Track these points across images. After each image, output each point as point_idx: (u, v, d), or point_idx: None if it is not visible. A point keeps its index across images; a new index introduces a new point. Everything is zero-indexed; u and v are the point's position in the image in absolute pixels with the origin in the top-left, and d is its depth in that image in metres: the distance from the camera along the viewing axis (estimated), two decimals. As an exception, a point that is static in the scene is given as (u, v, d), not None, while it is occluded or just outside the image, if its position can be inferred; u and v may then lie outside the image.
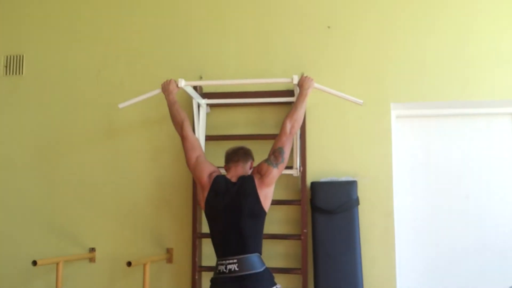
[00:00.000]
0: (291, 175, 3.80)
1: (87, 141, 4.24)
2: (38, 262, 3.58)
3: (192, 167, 3.31)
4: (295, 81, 3.46)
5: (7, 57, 4.44)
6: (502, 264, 3.88)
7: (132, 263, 3.45)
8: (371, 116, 3.88)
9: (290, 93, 3.87)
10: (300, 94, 3.38)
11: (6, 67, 4.44)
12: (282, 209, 3.87)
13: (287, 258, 3.83)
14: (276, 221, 3.83)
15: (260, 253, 3.16)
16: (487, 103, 3.89)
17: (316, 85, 3.45)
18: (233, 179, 3.23)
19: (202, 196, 3.23)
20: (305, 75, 3.49)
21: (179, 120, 3.40)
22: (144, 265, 3.63)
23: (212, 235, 3.21)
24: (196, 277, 3.82)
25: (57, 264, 3.75)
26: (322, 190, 3.77)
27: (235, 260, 3.06)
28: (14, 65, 4.42)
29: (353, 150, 3.88)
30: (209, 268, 3.65)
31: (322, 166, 3.88)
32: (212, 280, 3.13)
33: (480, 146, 4.00)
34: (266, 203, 3.18)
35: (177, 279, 3.96)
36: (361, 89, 3.89)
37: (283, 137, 3.26)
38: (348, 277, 3.63)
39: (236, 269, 3.04)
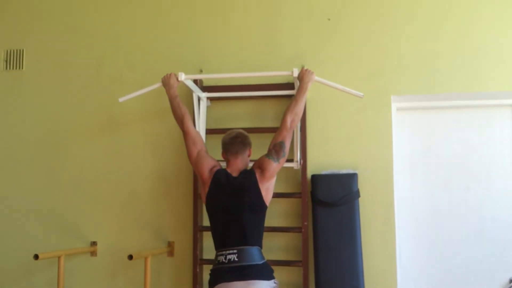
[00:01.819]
0: (291, 168, 3.81)
1: (88, 134, 4.25)
2: (40, 256, 3.59)
3: (193, 162, 3.34)
4: (295, 74, 3.48)
5: (7, 51, 4.44)
6: (502, 255, 3.91)
7: (134, 257, 3.46)
8: (372, 108, 3.88)
9: (290, 86, 3.87)
10: (300, 87, 3.39)
11: (6, 61, 4.44)
12: (283, 202, 3.88)
13: (288, 250, 3.84)
14: (276, 214, 3.84)
15: (261, 247, 3.18)
16: (488, 94, 3.89)
17: (316, 78, 3.46)
18: (234, 173, 3.25)
19: (204, 191, 3.26)
20: (305, 68, 3.50)
21: (180, 115, 3.43)
22: (146, 258, 3.65)
23: (213, 228, 3.24)
24: (197, 270, 3.84)
25: (59, 258, 3.76)
26: (322, 183, 3.78)
27: (235, 251, 3.09)
28: (15, 59, 4.42)
29: (353, 142, 3.89)
30: (210, 261, 3.59)
31: (323, 159, 3.88)
32: (212, 271, 3.16)
33: (480, 138, 4.01)
34: (267, 197, 3.21)
35: (178, 272, 3.98)
36: (361, 81, 3.89)
37: (283, 131, 3.27)
38: (349, 269, 3.64)
39: (236, 259, 3.07)
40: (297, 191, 3.86)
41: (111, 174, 4.18)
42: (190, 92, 3.86)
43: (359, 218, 3.71)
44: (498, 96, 3.91)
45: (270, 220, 3.59)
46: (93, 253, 4.11)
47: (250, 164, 3.38)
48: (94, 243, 4.12)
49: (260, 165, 3.23)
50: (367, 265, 3.71)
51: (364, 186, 3.80)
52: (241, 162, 3.30)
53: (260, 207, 3.20)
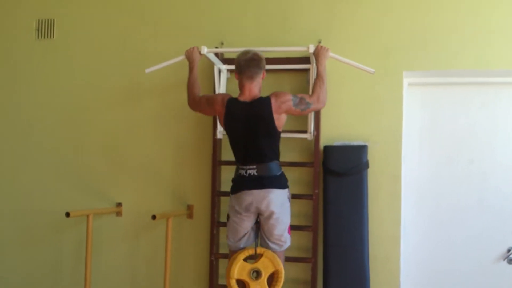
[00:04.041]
0: (305, 138, 3.96)
1: (113, 102, 4.42)
2: (71, 214, 3.81)
3: (208, 110, 3.60)
4: (311, 50, 3.63)
5: (38, 20, 4.57)
6: (502, 225, 4.03)
7: (157, 217, 3.67)
8: (384, 83, 3.99)
9: (306, 60, 3.98)
10: (319, 64, 3.56)
11: (38, 30, 4.58)
12: (296, 171, 4.05)
13: (299, 216, 4.02)
14: (289, 181, 3.93)
15: (278, 160, 3.48)
16: (496, 72, 3.97)
17: (331, 54, 3.61)
18: (248, 100, 3.44)
19: (221, 119, 3.52)
20: (321, 44, 3.65)
21: (192, 88, 3.68)
22: (167, 219, 3.86)
23: (233, 148, 3.53)
24: (215, 232, 4.04)
25: (88, 216, 3.99)
26: (334, 154, 3.93)
27: (254, 166, 3.41)
28: (46, 29, 4.56)
29: (365, 116, 4.01)
30: (226, 224, 3.87)
31: (335, 131, 4.02)
32: (234, 181, 3.51)
33: (487, 114, 4.08)
34: (279, 125, 3.44)
35: (197, 234, 4.19)
36: (375, 57, 4.00)
37: (314, 98, 3.48)
38: (355, 235, 3.82)
39: (256, 174, 3.40)
40: (310, 161, 4.02)
41: (134, 140, 4.36)
42: (211, 64, 4.01)
43: (367, 188, 3.88)
44: (505, 74, 3.98)
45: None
46: (119, 213, 4.32)
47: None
48: (119, 204, 4.33)
49: (279, 96, 3.41)
50: (373, 232, 3.89)
51: (373, 157, 3.94)
52: (256, 87, 3.47)
53: (274, 133, 3.44)
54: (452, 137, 4.13)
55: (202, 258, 4.16)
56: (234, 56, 4.08)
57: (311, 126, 3.92)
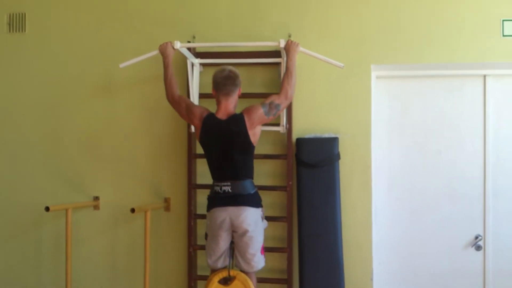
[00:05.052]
0: (278, 131, 4.05)
1: (88, 96, 4.43)
2: (50, 208, 3.88)
3: (186, 117, 3.68)
4: (282, 44, 3.70)
5: (9, 14, 4.54)
6: (469, 213, 4.20)
7: (135, 210, 3.76)
8: (353, 77, 4.09)
9: (278, 53, 4.04)
10: (289, 59, 3.64)
11: (9, 24, 4.55)
12: (270, 163, 4.15)
13: (274, 207, 4.13)
14: (264, 174, 4.12)
15: (252, 178, 3.58)
16: (461, 65, 4.10)
17: (301, 49, 3.69)
18: (223, 117, 3.53)
19: (197, 134, 3.61)
20: (291, 38, 3.72)
21: (170, 84, 3.73)
22: (146, 212, 3.94)
23: (208, 163, 3.62)
24: (192, 224, 4.13)
25: (67, 210, 4.05)
26: (306, 146, 4.03)
27: (229, 183, 3.51)
28: (17, 22, 4.53)
29: (335, 108, 4.11)
30: (203, 216, 3.91)
31: (307, 124, 4.12)
32: (209, 198, 3.60)
33: (453, 105, 4.21)
34: (254, 139, 3.55)
35: (174, 226, 4.26)
36: (344, 51, 4.10)
37: (282, 97, 3.56)
38: (328, 224, 3.94)
39: (230, 191, 3.50)
40: (283, 153, 4.12)
41: (111, 133, 4.39)
42: (184, 58, 4.04)
43: (339, 178, 4.00)
44: (471, 67, 4.11)
45: (258, 179, 3.85)
46: (96, 207, 4.37)
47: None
48: (96, 198, 4.38)
49: (251, 112, 3.51)
50: (346, 220, 4.03)
51: (344, 149, 4.06)
52: (231, 103, 3.57)
53: (248, 148, 3.54)
54: (420, 128, 4.25)
55: (180, 249, 4.24)
56: (206, 49, 4.17)
57: (284, 119, 4.00)
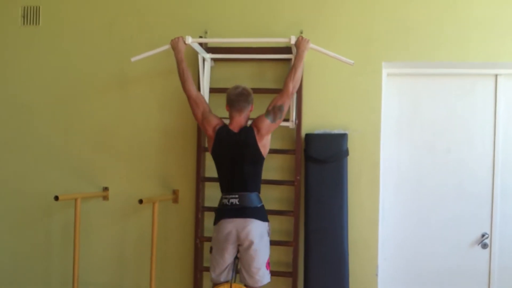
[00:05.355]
0: (287, 127, 4.06)
1: (101, 90, 4.47)
2: (60, 197, 3.93)
3: (199, 122, 3.75)
4: (293, 41, 3.72)
5: (24, 7, 4.58)
6: (477, 212, 4.19)
7: (143, 201, 3.78)
8: (364, 74, 4.10)
9: (289, 50, 4.06)
10: (298, 55, 3.67)
11: (24, 17, 4.60)
12: (278, 158, 4.16)
13: (281, 201, 4.15)
14: (272, 168, 4.13)
15: (259, 192, 3.64)
16: (473, 64, 4.09)
17: (311, 45, 3.72)
18: (235, 130, 3.62)
19: (210, 145, 3.69)
20: (302, 35, 3.74)
21: (184, 79, 3.77)
22: (154, 203, 3.96)
23: (219, 175, 3.68)
24: (199, 216, 4.16)
25: (76, 200, 4.09)
26: (315, 141, 4.05)
27: (236, 196, 3.56)
28: (31, 15, 4.58)
29: (345, 105, 4.12)
30: (211, 209, 4.01)
31: (316, 120, 4.13)
32: (217, 210, 3.65)
33: (464, 104, 4.20)
34: (264, 151, 3.63)
35: (182, 218, 4.29)
36: (355, 48, 4.11)
37: (285, 96, 3.63)
38: (335, 219, 3.95)
39: (237, 203, 3.55)
40: (292, 148, 4.13)
41: (121, 127, 4.43)
42: (195, 53, 4.08)
43: (347, 175, 4.01)
44: (482, 66, 4.10)
45: (266, 173, 3.89)
46: (105, 198, 4.41)
47: (250, 121, 3.71)
48: (106, 189, 4.42)
49: (258, 124, 3.61)
50: (353, 217, 4.03)
51: (353, 145, 4.07)
52: (244, 119, 3.68)
53: (258, 159, 3.63)
54: (430, 126, 4.25)
55: (187, 241, 4.27)
56: (218, 45, 4.20)
57: (293, 115, 4.03)
